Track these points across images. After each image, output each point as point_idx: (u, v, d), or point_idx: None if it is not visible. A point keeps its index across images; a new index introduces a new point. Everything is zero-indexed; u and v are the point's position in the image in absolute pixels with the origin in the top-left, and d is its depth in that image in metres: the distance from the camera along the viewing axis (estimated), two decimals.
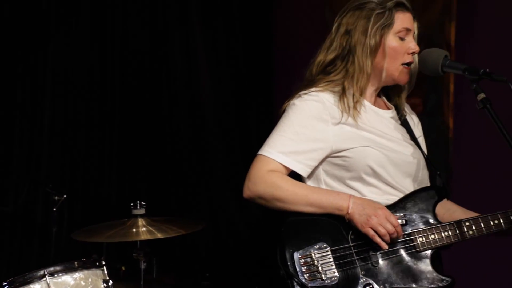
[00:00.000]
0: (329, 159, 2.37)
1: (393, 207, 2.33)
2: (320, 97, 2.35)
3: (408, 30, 2.41)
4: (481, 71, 2.18)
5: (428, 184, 2.53)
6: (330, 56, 2.42)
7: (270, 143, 2.35)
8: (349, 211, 2.26)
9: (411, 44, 2.41)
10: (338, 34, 2.42)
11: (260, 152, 2.35)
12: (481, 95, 2.17)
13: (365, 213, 2.25)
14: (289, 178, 2.31)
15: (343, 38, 2.40)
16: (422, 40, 3.80)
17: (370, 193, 2.36)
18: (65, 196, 3.31)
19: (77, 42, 3.97)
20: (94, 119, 3.96)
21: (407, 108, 2.61)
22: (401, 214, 2.33)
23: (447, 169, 3.73)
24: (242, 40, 4.41)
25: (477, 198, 3.52)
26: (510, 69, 3.37)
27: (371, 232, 2.24)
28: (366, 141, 2.34)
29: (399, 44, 2.39)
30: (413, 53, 2.41)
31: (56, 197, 3.30)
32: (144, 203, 3.11)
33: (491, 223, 2.37)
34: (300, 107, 2.35)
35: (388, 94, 2.57)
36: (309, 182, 2.41)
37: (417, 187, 2.44)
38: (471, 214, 2.50)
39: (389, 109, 2.53)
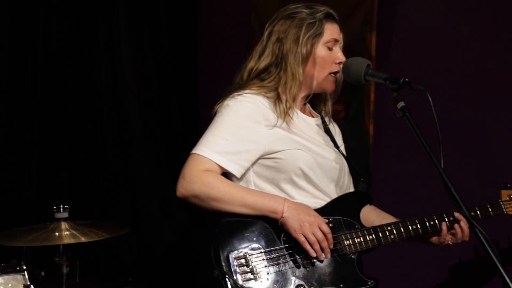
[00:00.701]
0: (260, 160, 2.41)
1: (321, 211, 2.41)
2: (254, 99, 2.40)
3: (336, 40, 2.50)
4: (401, 80, 2.28)
5: (351, 190, 2.62)
6: (263, 64, 2.48)
7: (205, 142, 2.36)
8: (284, 215, 2.31)
9: (339, 54, 2.51)
10: (270, 42, 2.48)
11: (194, 151, 2.36)
12: (401, 104, 2.26)
13: (298, 219, 2.31)
14: (224, 178, 2.35)
15: (275, 45, 2.47)
16: (345, 50, 3.96)
17: (299, 196, 2.42)
18: None
19: None
20: (13, 119, 3.85)
21: (330, 117, 2.70)
22: (330, 218, 2.40)
23: (367, 175, 3.84)
24: (168, 43, 4.39)
25: (395, 204, 3.64)
26: (429, 78, 3.57)
27: (301, 239, 2.30)
28: (297, 144, 2.42)
29: (328, 54, 2.48)
30: (339, 63, 2.50)
31: None
32: (67, 206, 3.05)
33: (410, 228, 2.49)
34: (234, 107, 2.39)
35: (314, 102, 2.65)
36: (239, 184, 2.44)
37: (339, 193, 2.53)
38: (393, 219, 2.61)
39: (314, 117, 2.60)
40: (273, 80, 2.46)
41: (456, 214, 2.55)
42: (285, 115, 2.42)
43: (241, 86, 2.47)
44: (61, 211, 3.02)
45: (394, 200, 3.69)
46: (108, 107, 4.09)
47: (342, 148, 2.68)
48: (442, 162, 2.22)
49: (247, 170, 2.42)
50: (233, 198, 2.30)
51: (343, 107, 3.95)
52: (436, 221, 2.53)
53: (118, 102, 4.10)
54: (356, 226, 2.43)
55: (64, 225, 3.01)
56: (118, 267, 3.92)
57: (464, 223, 2.53)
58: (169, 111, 4.31)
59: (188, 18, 4.45)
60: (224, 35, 4.53)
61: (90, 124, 4.06)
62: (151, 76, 4.27)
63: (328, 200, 2.46)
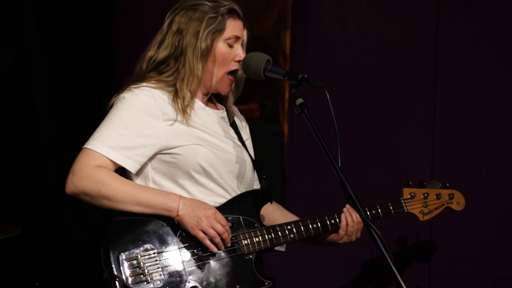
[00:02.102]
0: (158, 156, 2.33)
1: (220, 210, 2.34)
2: (152, 93, 2.31)
3: (237, 38, 2.44)
4: (300, 76, 2.23)
5: (255, 187, 2.57)
6: (162, 55, 2.39)
7: (97, 137, 2.26)
8: (179, 213, 2.23)
9: (239, 51, 2.44)
10: (170, 32, 2.40)
11: (86, 146, 2.25)
12: (299, 100, 2.22)
13: (195, 215, 2.23)
14: (117, 175, 2.24)
15: (175, 37, 2.38)
16: (258, 48, 3.92)
17: (199, 193, 2.35)
18: None
19: None
20: None
21: (235, 111, 2.64)
22: (228, 217, 2.34)
23: (282, 175, 3.82)
24: (82, 38, 4.24)
25: (309, 203, 3.66)
26: (343, 77, 3.58)
27: (201, 235, 2.23)
28: (197, 139, 2.34)
29: (227, 51, 2.41)
30: (239, 61, 2.44)
31: None
32: None
33: (310, 226, 2.46)
34: (130, 101, 2.30)
35: (218, 96, 2.59)
36: (137, 180, 2.36)
37: (243, 189, 2.47)
38: (295, 218, 2.58)
39: (219, 109, 2.54)
40: (172, 75, 2.37)
41: (348, 206, 2.54)
42: (182, 109, 2.34)
43: (139, 78, 2.37)
44: None
45: (308, 200, 3.69)
46: (15, 104, 3.92)
47: (248, 142, 2.62)
48: (339, 160, 2.17)
49: (145, 165, 2.33)
50: (126, 196, 2.21)
51: (258, 106, 3.91)
52: (338, 219, 2.50)
53: (26, 100, 3.93)
54: (255, 225, 2.38)
55: None
56: (23, 270, 3.75)
57: (357, 216, 2.51)
58: (82, 108, 4.16)
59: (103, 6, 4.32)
60: (140, 24, 4.40)
61: None
62: (63, 76, 4.12)
63: (232, 197, 2.40)
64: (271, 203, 2.47)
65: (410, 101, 3.39)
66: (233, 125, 2.56)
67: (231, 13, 2.42)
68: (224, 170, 2.38)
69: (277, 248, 3.71)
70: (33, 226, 3.71)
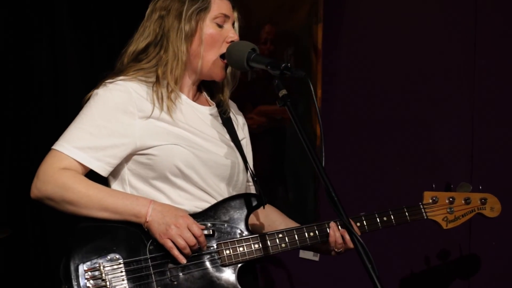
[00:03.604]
0: (134, 157, 2.13)
1: (201, 215, 2.13)
2: (126, 87, 2.12)
3: (226, 16, 2.21)
4: (283, 65, 1.99)
5: (251, 192, 2.35)
6: (143, 44, 2.20)
7: (66, 136, 2.09)
8: (148, 219, 2.03)
9: (230, 32, 2.22)
10: (151, 20, 2.21)
11: (53, 147, 2.09)
12: (283, 92, 1.98)
13: (164, 222, 2.03)
14: (83, 178, 2.06)
15: (156, 23, 2.19)
16: (291, 44, 3.70)
17: (179, 197, 2.14)
18: None
19: None
20: None
21: (232, 108, 2.41)
22: (209, 224, 2.12)
23: (314, 179, 3.56)
24: (120, 39, 4.14)
25: (346, 207, 3.39)
26: (377, 72, 3.30)
27: (169, 244, 2.02)
28: (176, 138, 2.13)
29: (217, 31, 2.20)
30: (232, 42, 2.21)
31: None
32: None
33: (306, 235, 2.20)
34: (103, 97, 2.11)
35: (212, 90, 2.38)
36: (114, 184, 2.18)
37: (233, 193, 2.24)
38: (293, 224, 2.33)
39: (210, 105, 2.33)
40: (151, 60, 2.17)
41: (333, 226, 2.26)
42: (165, 100, 2.13)
43: (118, 71, 2.19)
44: None
45: (343, 204, 3.42)
46: (51, 112, 3.85)
47: (244, 141, 2.39)
48: (323, 159, 1.92)
49: (122, 167, 2.15)
50: (90, 200, 2.03)
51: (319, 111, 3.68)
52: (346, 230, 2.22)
53: (62, 107, 3.85)
54: (242, 233, 2.14)
55: None
56: (15, 272, 3.62)
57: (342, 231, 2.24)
58: None
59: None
60: None
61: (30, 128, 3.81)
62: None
63: (214, 202, 2.18)
64: (263, 207, 2.23)
65: (448, 98, 3.09)
66: (227, 123, 2.33)
67: None
68: (206, 172, 2.16)
69: (309, 257, 3.54)
70: (25, 227, 3.59)
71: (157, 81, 2.15)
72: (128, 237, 2.05)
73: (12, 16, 3.75)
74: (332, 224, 2.22)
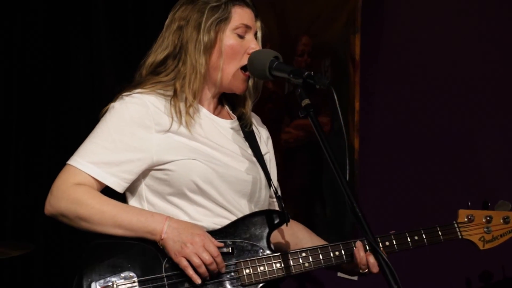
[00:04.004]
0: (152, 172, 2.06)
1: (220, 233, 2.04)
2: (144, 100, 2.05)
3: (247, 27, 2.13)
4: (305, 73, 1.89)
5: (272, 207, 2.24)
6: (161, 56, 2.13)
7: (80, 151, 2.04)
8: (163, 236, 1.95)
9: (252, 43, 2.13)
10: (170, 31, 2.14)
11: (68, 162, 2.03)
12: (305, 101, 1.88)
13: (180, 240, 1.94)
14: (97, 193, 2.00)
15: (175, 35, 2.12)
16: (328, 56, 3.59)
17: (197, 214, 2.06)
18: None
19: None
20: None
21: (255, 121, 2.32)
22: (229, 241, 2.02)
23: (353, 193, 3.42)
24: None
25: (383, 225, 3.25)
26: (417, 84, 3.16)
27: (184, 263, 1.94)
28: (194, 153, 2.05)
29: (238, 42, 2.11)
30: None
31: None
32: None
33: (331, 254, 2.08)
34: (119, 110, 2.05)
35: (234, 103, 2.29)
36: (132, 200, 2.11)
37: (255, 209, 2.14)
38: (320, 243, 2.22)
39: (231, 119, 2.24)
40: (170, 74, 2.10)
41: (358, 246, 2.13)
42: (184, 115, 2.06)
43: (136, 84, 2.13)
44: None
45: (382, 221, 3.29)
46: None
47: (268, 156, 2.29)
48: (348, 173, 1.81)
49: (139, 183, 2.08)
50: (104, 217, 1.96)
51: (329, 119, 3.56)
52: (369, 247, 2.10)
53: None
54: (263, 251, 2.04)
55: None
56: None
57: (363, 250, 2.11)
58: None
59: None
60: None
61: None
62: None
63: (236, 218, 2.08)
64: (287, 225, 2.12)
65: (491, 110, 2.92)
66: (249, 137, 2.24)
67: (236, 0, 2.13)
68: (226, 188, 2.07)
69: (347, 276, 3.40)
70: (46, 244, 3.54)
71: (175, 95, 2.07)
72: (143, 254, 1.97)
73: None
74: (358, 243, 2.10)
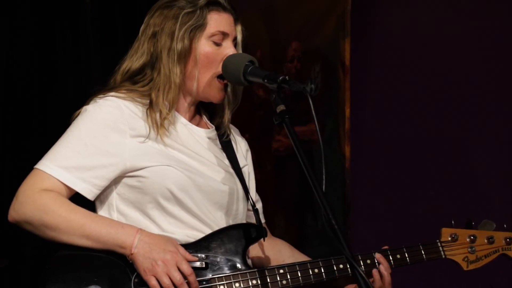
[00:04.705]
0: (124, 179, 1.95)
1: (194, 246, 1.93)
2: (118, 103, 1.95)
3: (224, 34, 2.03)
4: (280, 78, 1.79)
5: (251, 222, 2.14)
6: (137, 63, 2.03)
7: (50, 155, 1.92)
8: (133, 251, 1.84)
9: (229, 50, 2.02)
10: (145, 37, 2.04)
11: (36, 166, 1.92)
12: (281, 107, 1.78)
13: (150, 257, 1.83)
14: (66, 201, 1.88)
15: (150, 42, 2.02)
16: (318, 61, 3.50)
17: (169, 226, 1.95)
18: None
19: None
20: None
21: (234, 132, 2.22)
22: (203, 256, 1.92)
23: (344, 203, 3.32)
24: None
25: (376, 235, 3.17)
26: (409, 89, 3.07)
27: (153, 282, 1.82)
28: (170, 159, 1.94)
29: (213, 50, 2.01)
30: None
31: None
32: None
33: (310, 272, 1.98)
34: (92, 113, 1.95)
35: (212, 112, 2.19)
36: (100, 209, 2.00)
37: (232, 223, 2.04)
38: (302, 259, 2.12)
39: (208, 128, 2.14)
40: (147, 85, 2.01)
41: (377, 255, 2.04)
42: (159, 126, 1.96)
43: (110, 88, 2.03)
44: None
45: (375, 231, 3.21)
46: None
47: (246, 169, 2.19)
48: (324, 183, 1.71)
49: (110, 191, 1.97)
50: (71, 226, 1.84)
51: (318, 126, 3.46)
52: (348, 264, 1.99)
53: None
54: (238, 267, 1.93)
55: None
56: None
57: (384, 268, 2.01)
58: None
59: None
60: None
61: None
62: None
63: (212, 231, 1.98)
64: (264, 240, 2.02)
65: (489, 118, 2.82)
66: (226, 148, 2.13)
67: (214, 5, 2.02)
68: (201, 198, 1.97)
69: None
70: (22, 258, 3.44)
71: (151, 106, 1.98)
72: (111, 268, 1.86)
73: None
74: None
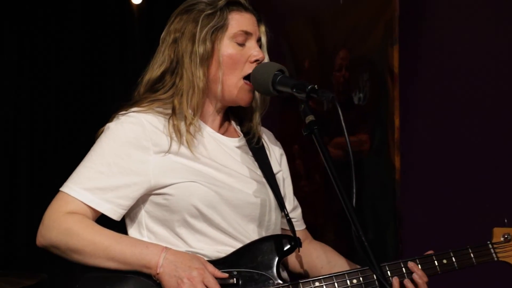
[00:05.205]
0: (151, 197, 1.92)
1: (224, 262, 1.88)
2: (140, 119, 1.92)
3: (247, 33, 1.98)
4: (309, 87, 1.74)
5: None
6: (157, 72, 1.99)
7: (74, 177, 1.90)
8: (158, 271, 1.80)
9: (254, 50, 1.98)
10: (166, 45, 2.00)
11: (61, 188, 1.91)
12: (309, 118, 1.73)
13: (176, 275, 1.79)
14: (90, 223, 1.86)
15: (170, 48, 1.99)
16: (366, 69, 3.40)
17: (198, 243, 1.90)
18: None
19: None
20: None
21: (267, 137, 2.17)
22: (234, 272, 1.87)
23: (395, 217, 3.21)
24: None
25: (429, 249, 3.04)
26: (461, 97, 2.94)
27: None
28: (195, 175, 1.90)
29: (237, 50, 1.97)
30: (256, 62, 1.97)
31: None
32: None
33: (348, 283, 1.90)
34: (114, 131, 1.92)
35: (241, 118, 2.14)
36: (131, 229, 1.97)
37: (264, 234, 1.99)
38: (340, 263, 2.08)
39: (238, 136, 2.09)
40: (168, 91, 1.97)
41: (409, 264, 1.94)
42: (184, 134, 1.92)
43: (133, 102, 2.00)
44: None
45: (427, 246, 3.06)
46: None
47: (281, 175, 2.13)
48: (354, 198, 1.65)
49: (139, 209, 1.94)
50: (96, 249, 1.82)
51: (368, 136, 3.37)
52: (389, 272, 1.91)
53: None
54: (271, 282, 1.87)
55: None
56: None
57: (419, 276, 1.91)
58: None
59: None
60: None
61: None
62: None
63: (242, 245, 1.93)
64: (299, 251, 1.96)
65: None
66: (258, 155, 2.07)
67: (234, 5, 1.98)
68: (230, 212, 1.92)
69: None
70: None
71: (174, 113, 1.94)
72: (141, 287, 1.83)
73: None
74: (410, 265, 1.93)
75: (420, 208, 3.13)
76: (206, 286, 1.78)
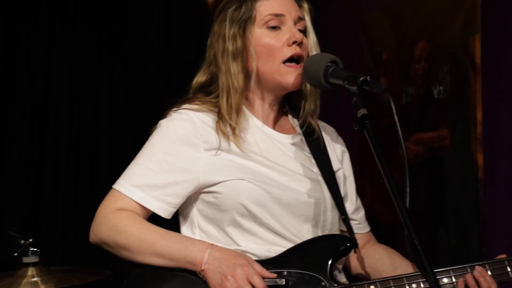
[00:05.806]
0: (201, 195, 1.89)
1: (274, 262, 1.81)
2: (190, 116, 1.89)
3: (279, 15, 1.91)
4: (361, 79, 1.63)
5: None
6: (203, 76, 2.00)
7: (125, 174, 1.91)
8: (203, 267, 1.76)
9: (289, 33, 1.90)
10: (208, 48, 2.01)
11: (113, 186, 1.91)
12: (361, 111, 1.63)
13: (220, 272, 1.74)
14: (138, 219, 1.84)
15: (210, 51, 1.99)
16: (446, 60, 3.21)
17: (247, 243, 1.85)
18: None
19: None
20: None
21: (329, 133, 2.07)
22: (284, 272, 1.78)
23: (478, 218, 3.01)
24: None
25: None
26: None
27: None
28: (244, 172, 1.84)
29: (271, 36, 1.90)
30: (295, 43, 1.90)
31: None
32: (36, 249, 2.49)
33: (407, 287, 1.76)
34: (165, 128, 1.91)
35: (297, 110, 2.06)
36: (184, 227, 1.95)
37: (320, 235, 1.89)
38: (404, 267, 1.95)
39: (294, 132, 2.00)
40: (214, 93, 1.96)
41: (478, 269, 1.82)
42: (231, 136, 1.88)
43: (184, 100, 1.98)
44: (29, 254, 2.49)
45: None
46: None
47: (341, 172, 2.03)
48: (408, 200, 1.52)
49: (191, 207, 1.91)
50: (143, 245, 1.80)
51: (449, 131, 3.17)
52: (453, 277, 1.76)
53: None
54: (323, 284, 1.77)
55: (32, 271, 2.48)
56: None
57: (484, 279, 1.77)
58: None
59: None
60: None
61: None
62: None
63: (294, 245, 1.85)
64: (355, 252, 1.84)
65: None
66: (316, 151, 1.99)
67: None
68: (282, 212, 1.84)
69: None
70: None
71: (220, 117, 1.91)
72: (188, 284, 1.79)
73: None
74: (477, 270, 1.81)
75: (506, 208, 2.93)
76: (250, 283, 1.72)
